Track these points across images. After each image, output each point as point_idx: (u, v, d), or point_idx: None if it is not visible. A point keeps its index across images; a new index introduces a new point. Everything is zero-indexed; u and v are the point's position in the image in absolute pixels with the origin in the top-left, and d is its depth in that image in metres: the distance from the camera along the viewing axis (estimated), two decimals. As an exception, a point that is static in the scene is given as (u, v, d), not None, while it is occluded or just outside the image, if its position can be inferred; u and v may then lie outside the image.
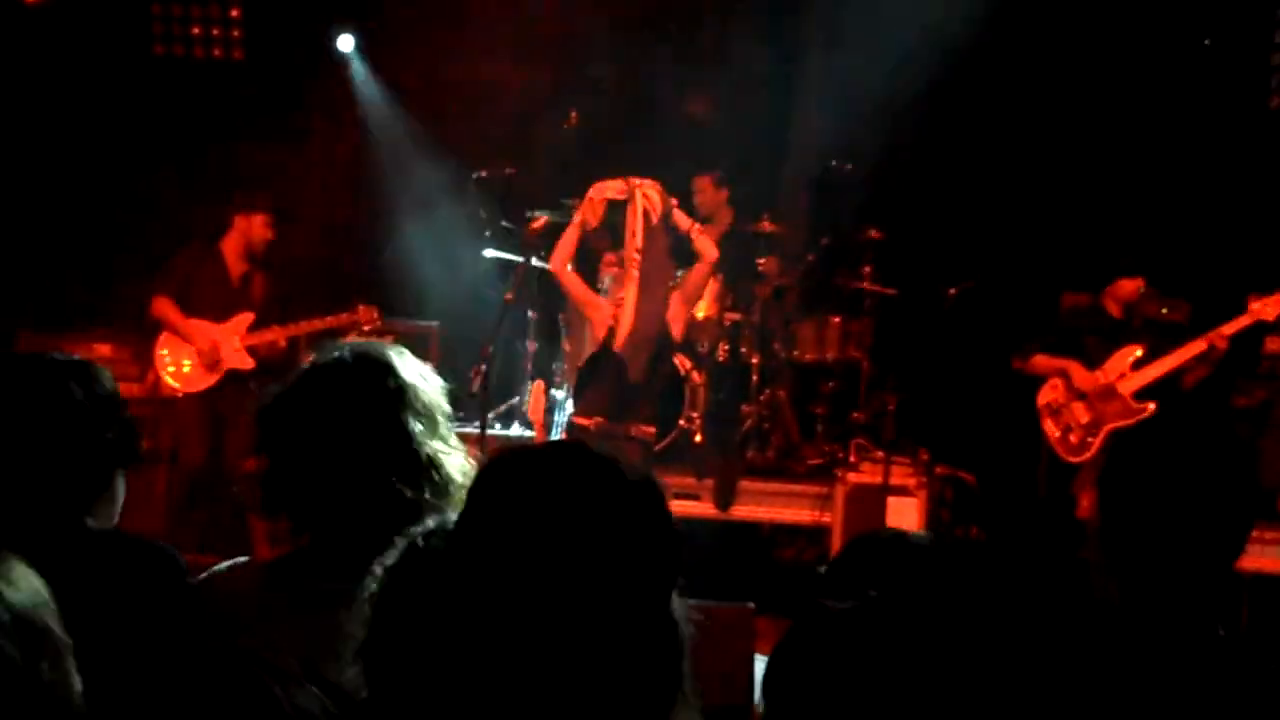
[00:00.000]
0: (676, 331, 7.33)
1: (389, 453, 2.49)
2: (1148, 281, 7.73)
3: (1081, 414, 7.68)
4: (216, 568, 2.59)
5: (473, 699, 1.63)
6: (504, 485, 1.70)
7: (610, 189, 7.27)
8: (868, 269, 9.17)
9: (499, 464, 1.73)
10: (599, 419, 7.23)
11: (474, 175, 9.62)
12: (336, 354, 2.57)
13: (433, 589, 1.68)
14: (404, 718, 1.67)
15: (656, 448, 8.32)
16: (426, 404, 2.57)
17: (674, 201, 7.29)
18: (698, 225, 7.38)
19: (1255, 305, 7.37)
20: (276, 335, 8.30)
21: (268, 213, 8.38)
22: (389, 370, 2.55)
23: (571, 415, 7.53)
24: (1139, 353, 7.61)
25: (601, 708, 1.64)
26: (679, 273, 7.53)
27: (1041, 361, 7.88)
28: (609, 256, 8.38)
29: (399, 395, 2.53)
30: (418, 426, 2.53)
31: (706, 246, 7.25)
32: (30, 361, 2.66)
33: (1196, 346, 7.40)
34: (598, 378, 7.43)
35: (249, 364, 8.23)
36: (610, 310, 7.37)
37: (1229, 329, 7.36)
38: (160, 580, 2.54)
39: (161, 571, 2.56)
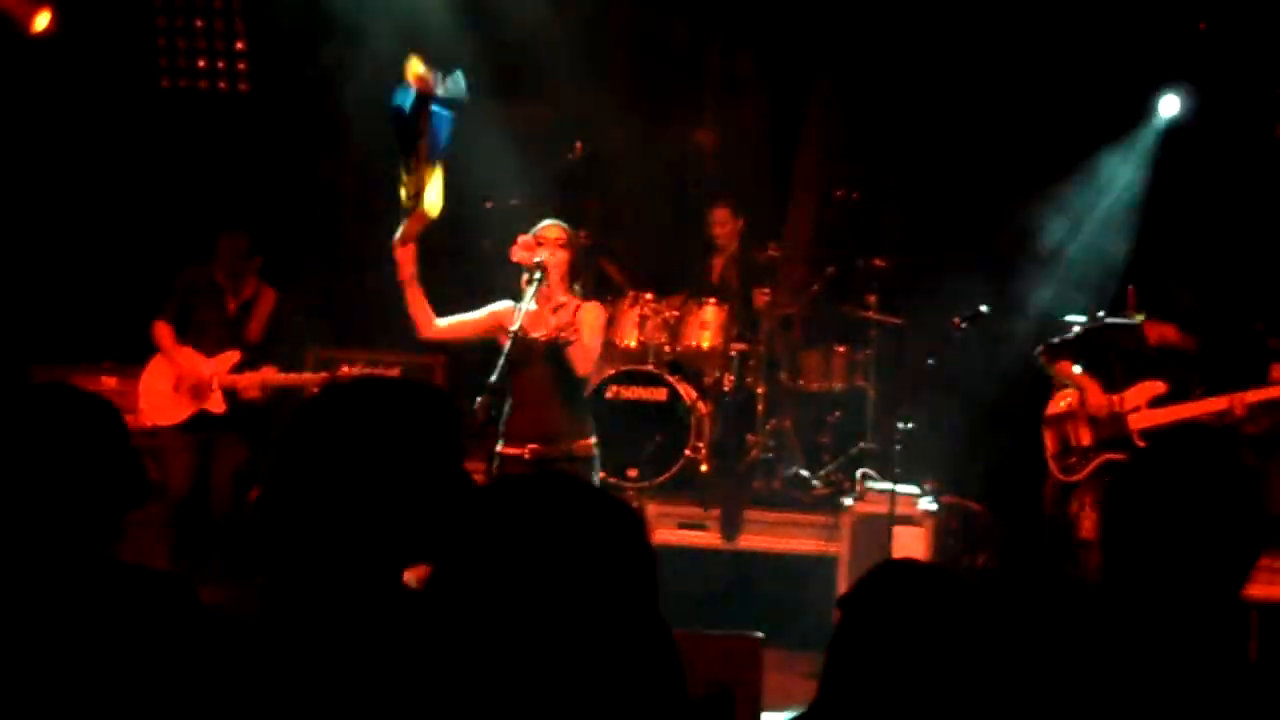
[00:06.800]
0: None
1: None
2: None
3: (1084, 436, 7.55)
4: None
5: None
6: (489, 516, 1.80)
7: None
8: (873, 298, 9.18)
9: (484, 496, 1.81)
10: (533, 445, 6.62)
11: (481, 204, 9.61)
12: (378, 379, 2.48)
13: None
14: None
15: (659, 480, 8.31)
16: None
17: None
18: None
19: None
20: (254, 382, 8.22)
21: (244, 237, 8.37)
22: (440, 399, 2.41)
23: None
24: (1161, 390, 7.47)
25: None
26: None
27: (1065, 369, 7.65)
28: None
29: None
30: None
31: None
32: (56, 394, 2.66)
33: (1217, 404, 7.29)
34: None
35: (221, 409, 8.21)
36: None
37: (1253, 397, 7.28)
38: (176, 610, 2.53)
39: (177, 601, 2.55)
